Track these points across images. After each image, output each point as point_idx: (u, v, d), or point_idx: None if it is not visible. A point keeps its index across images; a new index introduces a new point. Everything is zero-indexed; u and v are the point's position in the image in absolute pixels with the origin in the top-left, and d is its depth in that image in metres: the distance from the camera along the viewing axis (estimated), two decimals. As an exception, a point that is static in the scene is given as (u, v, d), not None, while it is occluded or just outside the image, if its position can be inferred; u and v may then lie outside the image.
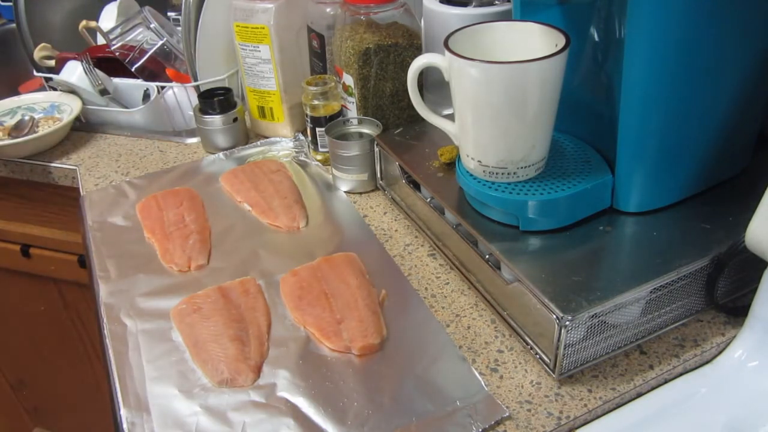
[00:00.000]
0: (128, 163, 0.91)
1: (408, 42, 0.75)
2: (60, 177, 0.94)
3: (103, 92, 0.98)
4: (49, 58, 1.06)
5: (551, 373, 0.52)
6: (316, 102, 0.80)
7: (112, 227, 0.76)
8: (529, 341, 0.54)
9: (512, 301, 0.56)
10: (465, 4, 0.78)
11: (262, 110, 0.90)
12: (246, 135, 0.93)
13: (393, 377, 0.54)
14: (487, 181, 0.57)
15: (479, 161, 0.56)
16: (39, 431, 1.53)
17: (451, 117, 0.59)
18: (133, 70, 1.00)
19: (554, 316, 0.48)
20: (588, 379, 0.53)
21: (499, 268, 0.56)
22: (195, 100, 0.92)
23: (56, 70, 1.02)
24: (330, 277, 0.63)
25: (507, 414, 0.50)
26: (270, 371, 0.55)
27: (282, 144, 0.91)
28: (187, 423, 0.51)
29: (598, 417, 0.51)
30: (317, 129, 0.81)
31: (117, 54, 1.00)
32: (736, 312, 0.56)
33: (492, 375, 0.54)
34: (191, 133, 0.96)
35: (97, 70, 0.98)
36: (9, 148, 0.93)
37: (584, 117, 0.60)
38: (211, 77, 0.94)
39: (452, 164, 0.65)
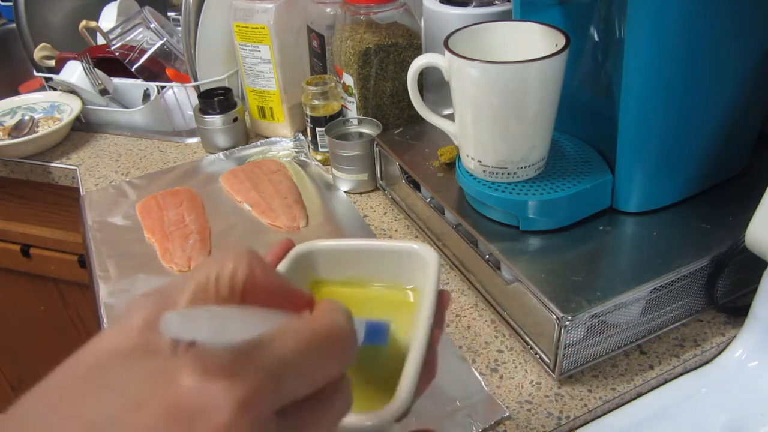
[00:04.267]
0: (128, 163, 0.91)
1: (408, 42, 0.75)
2: (60, 177, 0.94)
3: (103, 92, 0.98)
4: (49, 58, 1.06)
5: (551, 373, 0.52)
6: (316, 102, 0.80)
7: (112, 227, 0.76)
8: (529, 341, 0.54)
9: (512, 301, 0.56)
10: (465, 4, 0.78)
11: (262, 110, 0.90)
12: (246, 135, 0.93)
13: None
14: (487, 181, 0.57)
15: (479, 161, 0.56)
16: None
17: (451, 117, 0.59)
18: (133, 70, 1.00)
19: (554, 316, 0.48)
20: (588, 379, 0.53)
21: (499, 268, 0.56)
22: (195, 100, 0.92)
23: (56, 70, 1.02)
24: (330, 277, 0.63)
25: (507, 414, 0.50)
26: (270, 371, 0.55)
27: (282, 144, 0.91)
28: (187, 423, 0.51)
29: (598, 417, 0.51)
30: (317, 129, 0.81)
31: (117, 54, 1.00)
32: (736, 312, 0.56)
33: (492, 375, 0.54)
34: (191, 133, 0.96)
35: (97, 70, 0.98)
36: (9, 148, 0.93)
37: (584, 117, 0.60)
38: (211, 77, 0.94)
39: (452, 164, 0.65)
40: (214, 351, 0.20)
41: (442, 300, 0.32)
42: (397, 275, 0.35)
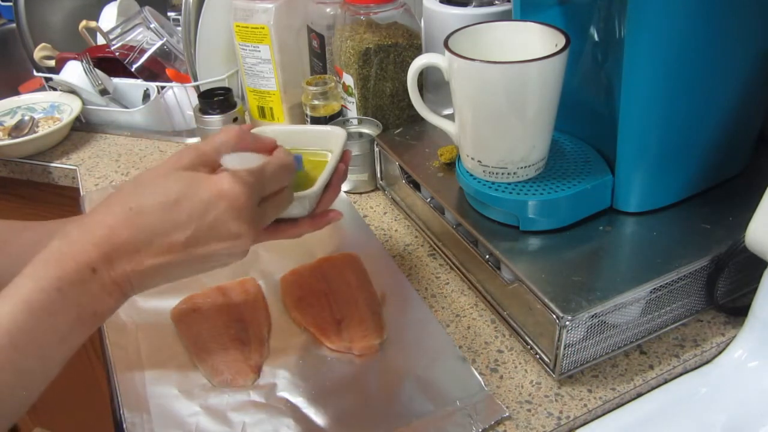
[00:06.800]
0: (128, 163, 0.91)
1: (408, 42, 0.75)
2: (60, 177, 0.94)
3: (103, 92, 0.98)
4: (49, 58, 1.06)
5: (551, 373, 0.52)
6: (316, 102, 0.80)
7: (112, 227, 0.76)
8: (529, 341, 0.54)
9: (512, 301, 0.56)
10: (465, 4, 0.78)
11: (262, 110, 0.90)
12: (246, 135, 0.93)
13: (393, 377, 0.54)
14: (487, 181, 0.57)
15: (479, 161, 0.56)
16: (39, 431, 1.53)
17: (451, 117, 0.59)
18: (133, 70, 1.00)
19: (554, 316, 0.48)
20: (588, 379, 0.53)
21: (499, 268, 0.56)
22: (195, 100, 0.92)
23: (56, 70, 1.02)
24: (330, 276, 0.63)
25: (507, 414, 0.50)
26: (270, 371, 0.55)
27: (282, 144, 0.91)
28: (187, 423, 0.51)
29: (598, 417, 0.51)
30: (317, 129, 0.81)
31: (117, 54, 1.00)
32: (736, 312, 0.56)
33: (492, 375, 0.54)
34: (191, 133, 0.96)
35: (97, 70, 0.98)
36: (9, 148, 0.93)
37: (584, 117, 0.60)
38: (211, 77, 0.94)
39: (452, 164, 0.65)
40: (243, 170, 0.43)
41: (346, 153, 0.56)
42: (320, 145, 0.57)
